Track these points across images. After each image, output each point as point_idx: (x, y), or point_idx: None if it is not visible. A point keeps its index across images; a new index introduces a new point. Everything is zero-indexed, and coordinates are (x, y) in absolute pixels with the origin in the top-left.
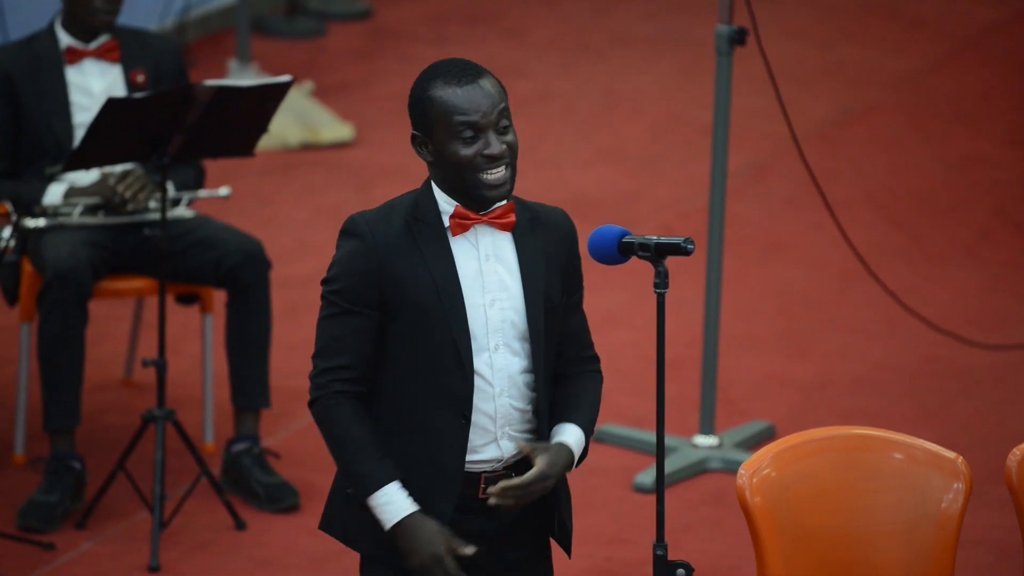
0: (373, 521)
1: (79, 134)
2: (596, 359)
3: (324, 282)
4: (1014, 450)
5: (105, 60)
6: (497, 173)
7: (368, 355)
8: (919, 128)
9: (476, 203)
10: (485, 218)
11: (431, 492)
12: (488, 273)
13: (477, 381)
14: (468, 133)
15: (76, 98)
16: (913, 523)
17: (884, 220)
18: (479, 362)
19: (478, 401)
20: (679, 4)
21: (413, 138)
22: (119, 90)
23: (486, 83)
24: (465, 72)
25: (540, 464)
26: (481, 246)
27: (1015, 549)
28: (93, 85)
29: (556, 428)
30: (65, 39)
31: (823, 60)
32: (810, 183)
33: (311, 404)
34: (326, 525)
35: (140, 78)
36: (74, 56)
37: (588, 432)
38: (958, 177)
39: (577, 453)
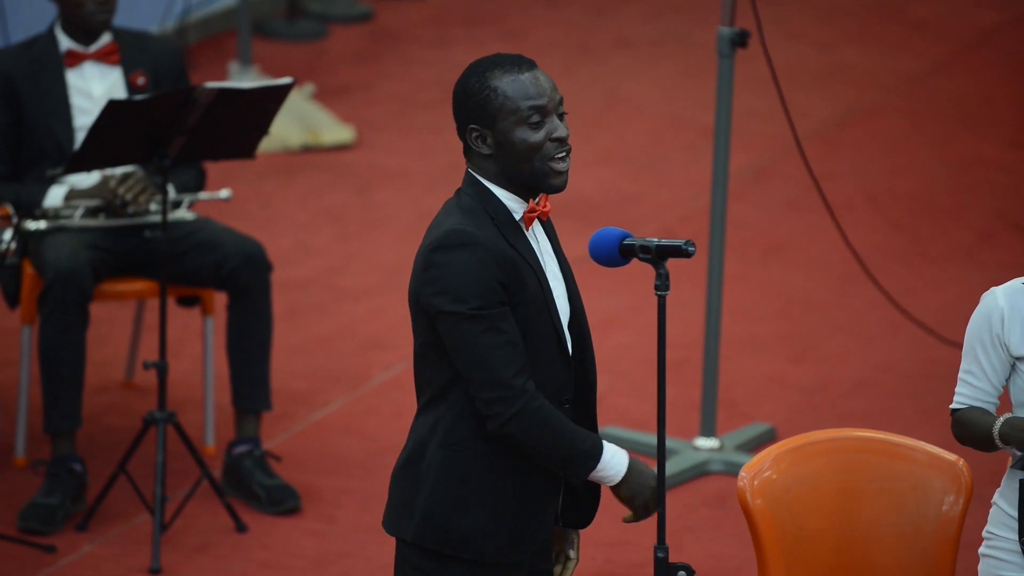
0: (482, 527)
1: (80, 137)
2: None
3: (459, 300)
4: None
5: (105, 63)
6: (566, 160)
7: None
8: (920, 130)
9: (538, 191)
10: (540, 208)
11: (538, 483)
12: (549, 264)
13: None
14: (536, 118)
15: (76, 101)
16: (914, 525)
17: (885, 222)
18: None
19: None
20: (680, 6)
21: (469, 132)
22: (119, 92)
23: (541, 73)
24: (522, 61)
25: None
26: (539, 238)
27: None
28: (93, 88)
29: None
30: (65, 42)
31: (824, 62)
32: (811, 185)
33: (512, 418)
34: (424, 536)
35: (140, 80)
36: (74, 59)
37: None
38: (959, 179)
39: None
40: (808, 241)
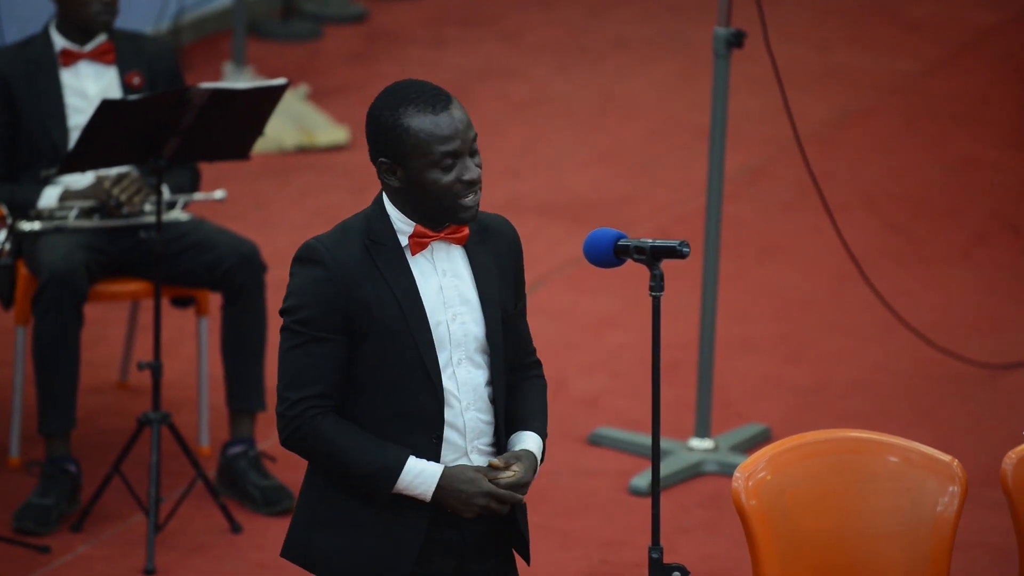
0: (343, 547)
1: (75, 137)
2: (539, 364)
3: (284, 312)
4: (1009, 453)
5: (100, 63)
6: (474, 197)
7: (338, 382)
8: (916, 131)
9: (446, 223)
10: (442, 234)
11: (405, 510)
12: (448, 288)
13: (446, 397)
14: (448, 161)
15: (71, 101)
16: (909, 526)
17: (881, 223)
18: (445, 378)
19: (448, 417)
20: (676, 6)
21: (380, 165)
22: (114, 92)
23: (456, 108)
24: (437, 98)
25: (520, 472)
26: (438, 262)
27: (1010, 552)
28: (88, 88)
29: (515, 437)
30: (60, 42)
31: (820, 63)
32: (807, 185)
33: (288, 439)
34: (290, 551)
35: (136, 80)
36: (69, 59)
37: (544, 437)
38: (955, 180)
39: (540, 460)
40: (803, 242)
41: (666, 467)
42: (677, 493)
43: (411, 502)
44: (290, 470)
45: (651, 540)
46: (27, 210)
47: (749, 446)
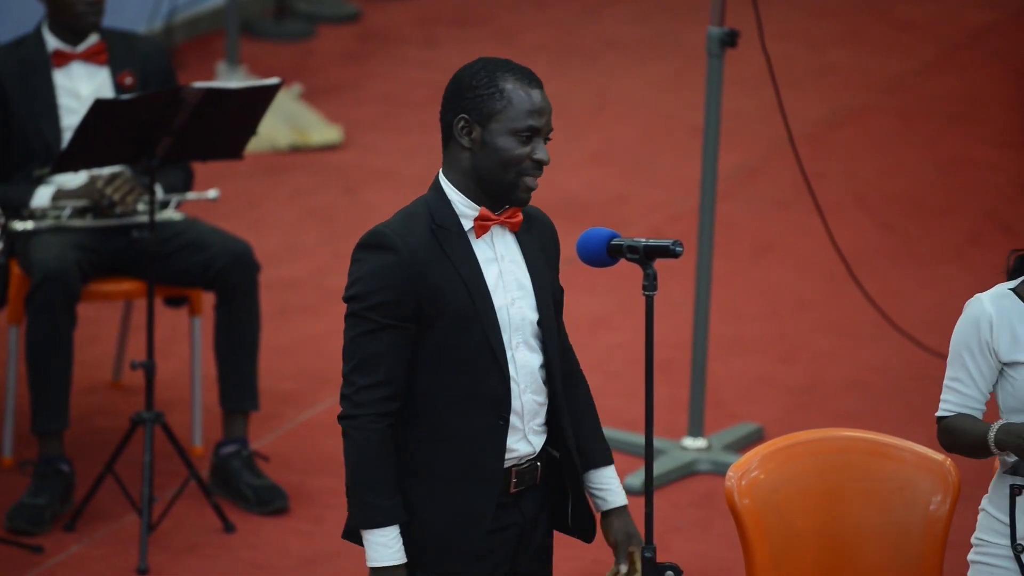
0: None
1: (68, 137)
2: (573, 351)
3: (352, 298)
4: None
5: (93, 63)
6: (535, 180)
7: (403, 373)
8: (909, 130)
9: (501, 202)
10: (501, 218)
11: (473, 495)
12: (506, 273)
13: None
14: (528, 134)
15: (64, 101)
16: (901, 525)
17: (874, 222)
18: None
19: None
20: (670, 6)
21: (457, 122)
22: (107, 92)
23: (545, 95)
24: (533, 76)
25: (636, 554)
26: (497, 247)
27: None
28: (81, 88)
29: (596, 476)
30: (52, 42)
31: (813, 62)
32: (800, 185)
33: (344, 418)
34: (351, 534)
35: (128, 80)
36: (62, 59)
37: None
38: (948, 179)
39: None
40: (797, 241)
41: (659, 466)
42: (670, 492)
43: (482, 494)
44: (283, 470)
45: (644, 539)
46: (20, 210)
47: (742, 445)
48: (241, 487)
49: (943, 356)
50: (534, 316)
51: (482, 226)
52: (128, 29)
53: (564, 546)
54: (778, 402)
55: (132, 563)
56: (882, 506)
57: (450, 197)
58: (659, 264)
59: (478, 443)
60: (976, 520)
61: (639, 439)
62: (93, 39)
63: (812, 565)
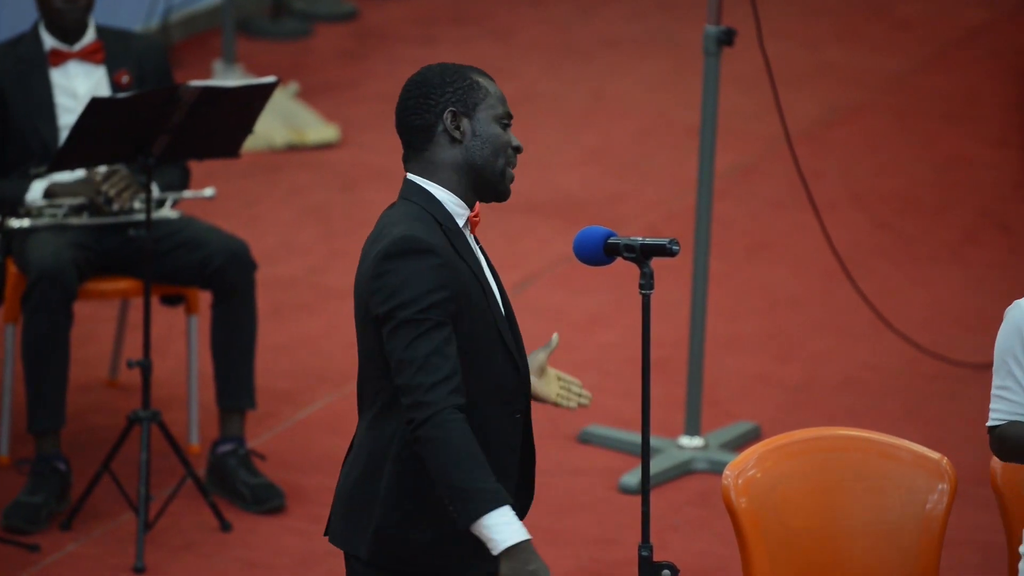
0: (441, 536)
1: (65, 136)
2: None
3: (400, 306)
4: None
5: (89, 62)
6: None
7: (460, 369)
8: (905, 129)
9: (486, 196)
10: (477, 217)
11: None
12: (487, 269)
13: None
14: (507, 121)
15: (61, 100)
16: (898, 524)
17: (870, 221)
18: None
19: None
20: (666, 5)
21: (447, 117)
22: (104, 91)
23: None
24: (488, 75)
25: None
26: (475, 246)
27: (1000, 549)
28: (78, 87)
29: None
30: (49, 41)
31: (809, 61)
32: (796, 184)
33: (421, 424)
34: (381, 553)
35: (125, 79)
36: (58, 58)
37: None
38: (945, 178)
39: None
40: (793, 240)
41: (656, 465)
42: (667, 491)
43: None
44: (280, 469)
45: (641, 538)
46: (16, 206)
47: (739, 444)
48: (238, 485)
49: (939, 355)
50: (507, 309)
51: (474, 221)
52: (124, 27)
53: (558, 544)
54: (775, 401)
55: (129, 561)
56: (879, 504)
57: (439, 198)
58: (655, 263)
59: (497, 438)
60: (972, 517)
61: (636, 438)
62: (89, 38)
63: (809, 563)
